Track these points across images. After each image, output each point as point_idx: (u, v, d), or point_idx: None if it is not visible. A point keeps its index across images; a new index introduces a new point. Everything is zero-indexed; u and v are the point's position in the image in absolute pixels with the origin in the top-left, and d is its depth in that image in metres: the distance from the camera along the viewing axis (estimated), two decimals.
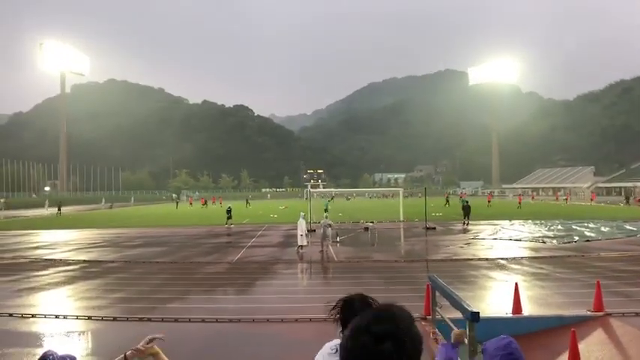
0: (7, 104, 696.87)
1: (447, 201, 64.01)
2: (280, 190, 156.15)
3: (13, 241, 28.03)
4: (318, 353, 2.70)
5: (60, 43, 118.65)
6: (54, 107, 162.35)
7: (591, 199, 70.36)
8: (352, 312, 2.55)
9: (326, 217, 21.56)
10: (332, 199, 70.60)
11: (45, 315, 10.90)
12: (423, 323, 9.48)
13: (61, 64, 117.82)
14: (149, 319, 10.43)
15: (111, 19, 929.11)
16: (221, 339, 9.30)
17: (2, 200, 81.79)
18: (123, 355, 2.79)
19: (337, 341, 2.62)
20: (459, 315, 7.59)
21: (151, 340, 2.83)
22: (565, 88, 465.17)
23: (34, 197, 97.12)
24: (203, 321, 10.25)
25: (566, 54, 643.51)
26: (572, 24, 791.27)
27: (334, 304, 2.70)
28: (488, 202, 62.94)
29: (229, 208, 35.91)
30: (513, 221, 35.11)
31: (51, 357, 2.66)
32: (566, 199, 73.53)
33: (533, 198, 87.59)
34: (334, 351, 2.56)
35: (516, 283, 10.55)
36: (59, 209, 57.73)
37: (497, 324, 9.29)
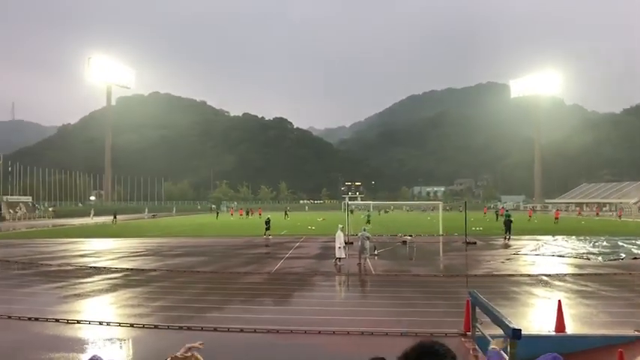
0: (56, 116, 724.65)
1: (497, 215, 60.70)
2: (318, 202, 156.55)
3: (59, 248, 28.99)
4: None
5: (107, 56, 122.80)
6: (100, 119, 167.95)
7: None
8: None
9: (364, 230, 21.48)
10: (370, 210, 69.77)
11: (89, 321, 11.23)
12: (462, 339, 9.36)
13: (108, 77, 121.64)
14: (189, 328, 10.61)
15: (155, 34, 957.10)
16: (259, 349, 9.39)
17: (51, 209, 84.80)
18: None
19: None
20: (499, 332, 7.48)
21: (189, 349, 2.93)
22: (610, 100, 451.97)
23: (80, 206, 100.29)
24: (241, 331, 10.37)
25: (611, 66, 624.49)
26: (618, 34, 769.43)
27: None
28: (529, 217, 61.23)
29: (268, 219, 36.23)
30: (556, 237, 34.21)
31: None
32: (619, 215, 70.65)
33: (579, 213, 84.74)
34: None
35: (559, 301, 10.31)
36: (115, 217, 59.73)
37: (539, 342, 9.09)
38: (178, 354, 2.90)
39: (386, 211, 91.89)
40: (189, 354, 2.90)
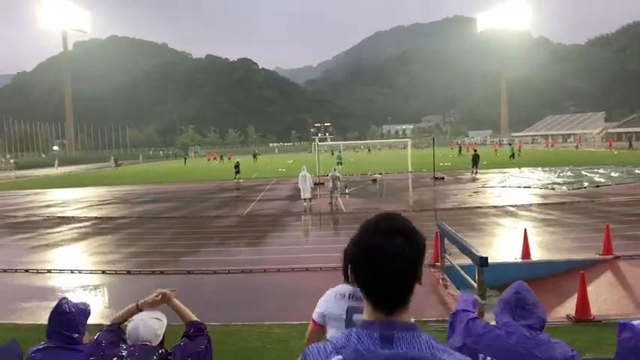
0: (10, 64, 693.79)
1: (463, 150, 61.33)
2: (288, 144, 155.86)
3: (24, 200, 28.36)
4: (323, 299, 2.69)
5: None
6: (58, 65, 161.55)
7: (610, 146, 68.13)
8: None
9: (334, 170, 21.48)
10: (341, 151, 68.93)
11: (60, 270, 11.11)
12: (432, 270, 9.57)
13: (62, 20, 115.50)
14: (162, 272, 10.59)
15: None
16: (234, 289, 9.46)
17: (12, 161, 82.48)
18: (135, 304, 2.81)
19: (341, 287, 2.62)
20: (468, 261, 7.66)
21: (160, 295, 2.81)
22: (576, 32, 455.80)
23: (44, 157, 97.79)
24: (215, 272, 10.40)
25: None
26: None
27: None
28: (495, 150, 62.15)
29: (237, 162, 35.93)
30: (522, 169, 34.97)
31: (65, 304, 2.71)
32: (577, 146, 72.53)
33: (553, 145, 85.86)
34: (343, 296, 2.57)
35: (525, 229, 10.60)
36: (117, 163, 59.09)
37: (506, 269, 9.37)
38: (149, 299, 2.80)
39: (369, 150, 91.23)
40: (159, 299, 2.80)
